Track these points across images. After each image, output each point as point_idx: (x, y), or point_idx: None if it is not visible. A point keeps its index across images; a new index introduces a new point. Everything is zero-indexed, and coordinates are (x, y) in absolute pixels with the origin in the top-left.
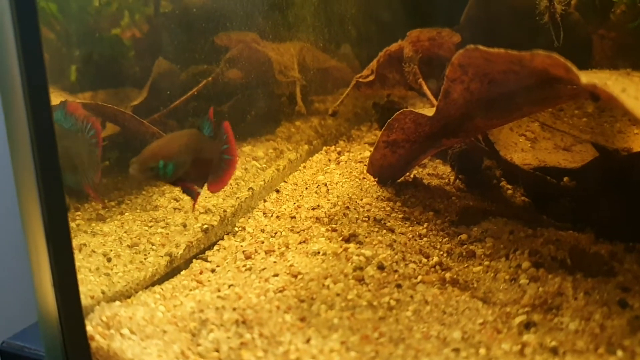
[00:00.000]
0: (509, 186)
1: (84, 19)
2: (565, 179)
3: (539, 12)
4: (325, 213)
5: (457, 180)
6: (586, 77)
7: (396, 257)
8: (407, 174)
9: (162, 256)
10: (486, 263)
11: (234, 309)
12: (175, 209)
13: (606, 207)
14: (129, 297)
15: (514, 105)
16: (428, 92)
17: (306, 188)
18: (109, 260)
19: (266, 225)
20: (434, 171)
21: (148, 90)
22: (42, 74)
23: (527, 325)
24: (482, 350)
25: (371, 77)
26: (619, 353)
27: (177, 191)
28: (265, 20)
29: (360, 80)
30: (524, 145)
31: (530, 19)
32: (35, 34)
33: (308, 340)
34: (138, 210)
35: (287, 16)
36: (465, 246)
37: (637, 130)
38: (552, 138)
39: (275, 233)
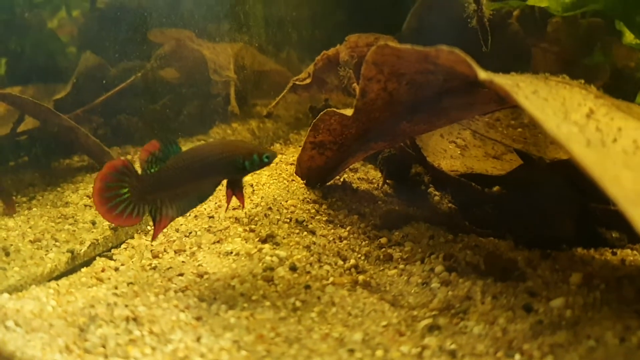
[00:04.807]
0: (437, 192)
1: (16, 11)
2: (496, 188)
3: (467, 16)
4: (245, 213)
5: (385, 185)
6: (485, 74)
7: (311, 258)
8: (337, 177)
9: (64, 252)
10: (401, 266)
11: (126, 306)
12: (86, 205)
13: (525, 215)
14: (22, 291)
15: (439, 109)
16: None
17: None
18: (7, 254)
19: (181, 224)
20: (365, 175)
21: (72, 84)
22: None
23: (431, 329)
24: (379, 352)
25: (308, 80)
26: (517, 357)
27: (90, 188)
28: (204, 20)
29: (297, 83)
30: (453, 152)
31: (470, 29)
32: None
33: (198, 339)
34: (48, 206)
35: (227, 17)
36: (383, 249)
37: None
38: (483, 146)
39: (190, 233)
